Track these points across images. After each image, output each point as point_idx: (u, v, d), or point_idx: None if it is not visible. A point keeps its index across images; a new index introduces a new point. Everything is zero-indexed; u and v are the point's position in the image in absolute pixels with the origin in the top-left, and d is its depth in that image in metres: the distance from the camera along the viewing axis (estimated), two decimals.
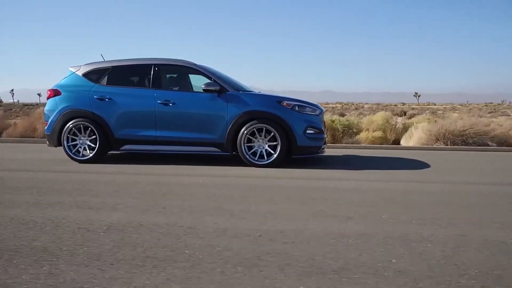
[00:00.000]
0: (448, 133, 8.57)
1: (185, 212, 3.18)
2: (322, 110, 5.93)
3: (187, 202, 3.51)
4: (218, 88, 5.62)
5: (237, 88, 5.88)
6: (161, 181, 4.53)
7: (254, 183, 4.44)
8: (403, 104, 66.06)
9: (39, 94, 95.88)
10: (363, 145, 8.91)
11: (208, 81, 5.71)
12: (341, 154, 7.25)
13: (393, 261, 2.20)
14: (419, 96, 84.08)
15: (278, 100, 5.60)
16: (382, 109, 35.05)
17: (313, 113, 5.70)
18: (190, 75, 6.10)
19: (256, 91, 6.24)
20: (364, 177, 4.86)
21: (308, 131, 5.54)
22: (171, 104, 5.70)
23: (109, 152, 6.16)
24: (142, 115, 5.78)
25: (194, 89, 5.99)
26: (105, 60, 6.38)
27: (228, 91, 5.68)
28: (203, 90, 5.65)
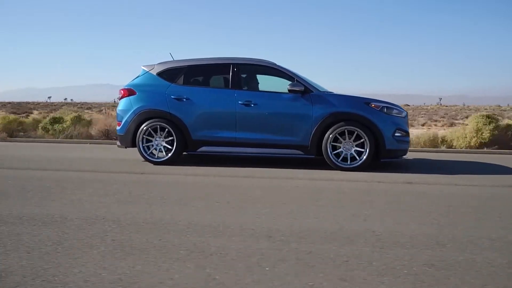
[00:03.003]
0: None
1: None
2: (406, 112, 5.74)
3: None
4: (302, 88, 5.44)
5: (319, 89, 5.70)
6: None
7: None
8: None
9: None
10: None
11: (291, 81, 5.53)
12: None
13: None
14: None
15: (366, 102, 5.40)
16: None
17: (400, 115, 5.50)
18: (270, 76, 5.93)
19: (334, 92, 6.05)
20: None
21: (396, 134, 5.34)
22: (252, 105, 5.52)
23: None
24: (222, 116, 5.61)
25: (272, 90, 5.80)
26: (175, 59, 6.22)
27: (312, 91, 5.50)
28: (288, 90, 5.46)
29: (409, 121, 7.73)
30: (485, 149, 8.42)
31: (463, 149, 8.65)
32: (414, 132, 10.23)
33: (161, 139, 5.75)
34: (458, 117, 29.27)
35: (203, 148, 5.70)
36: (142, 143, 5.74)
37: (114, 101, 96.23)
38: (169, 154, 5.69)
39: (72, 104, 56.13)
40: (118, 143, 6.07)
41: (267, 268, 2.05)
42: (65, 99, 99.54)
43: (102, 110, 25.32)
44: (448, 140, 8.99)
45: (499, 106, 63.58)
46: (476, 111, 33.55)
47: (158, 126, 5.71)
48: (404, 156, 5.64)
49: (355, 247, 2.39)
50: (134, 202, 3.47)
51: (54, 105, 49.17)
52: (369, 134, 5.25)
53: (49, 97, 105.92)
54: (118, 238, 2.49)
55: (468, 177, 5.02)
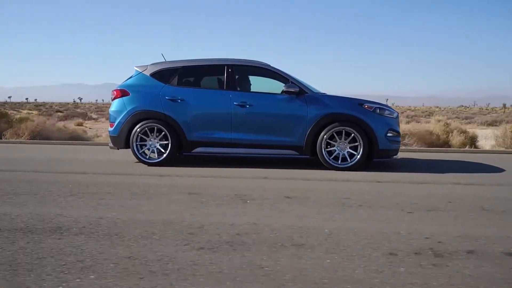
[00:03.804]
0: None
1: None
2: (397, 113, 5.88)
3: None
4: (297, 89, 5.52)
5: (313, 90, 5.78)
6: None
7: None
8: None
9: None
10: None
11: (286, 83, 5.60)
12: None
13: None
14: None
15: (359, 103, 5.52)
16: None
17: (391, 116, 5.64)
18: (264, 77, 5.97)
19: (328, 93, 6.14)
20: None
21: (388, 134, 5.47)
22: (248, 106, 5.56)
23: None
24: (217, 116, 5.63)
25: (267, 91, 5.83)
26: (167, 60, 6.19)
27: (307, 92, 5.59)
28: (284, 91, 5.53)
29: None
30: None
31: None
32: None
33: (156, 140, 5.71)
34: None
35: (198, 149, 5.69)
36: (136, 144, 5.69)
37: (74, 101, 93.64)
38: (164, 155, 5.67)
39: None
40: (110, 144, 6.00)
41: None
42: (27, 99, 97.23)
43: None
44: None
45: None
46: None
47: (152, 127, 5.66)
48: (394, 156, 5.77)
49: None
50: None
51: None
52: (363, 135, 5.36)
53: (9, 97, 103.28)
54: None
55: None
